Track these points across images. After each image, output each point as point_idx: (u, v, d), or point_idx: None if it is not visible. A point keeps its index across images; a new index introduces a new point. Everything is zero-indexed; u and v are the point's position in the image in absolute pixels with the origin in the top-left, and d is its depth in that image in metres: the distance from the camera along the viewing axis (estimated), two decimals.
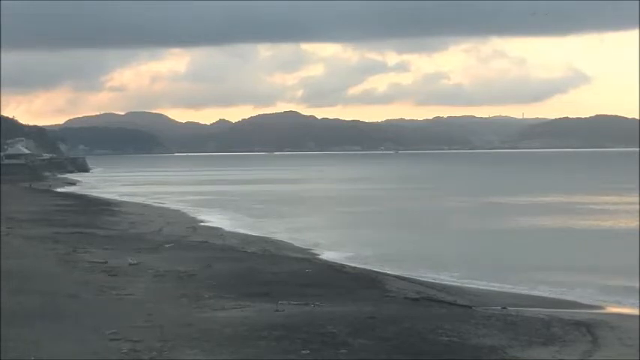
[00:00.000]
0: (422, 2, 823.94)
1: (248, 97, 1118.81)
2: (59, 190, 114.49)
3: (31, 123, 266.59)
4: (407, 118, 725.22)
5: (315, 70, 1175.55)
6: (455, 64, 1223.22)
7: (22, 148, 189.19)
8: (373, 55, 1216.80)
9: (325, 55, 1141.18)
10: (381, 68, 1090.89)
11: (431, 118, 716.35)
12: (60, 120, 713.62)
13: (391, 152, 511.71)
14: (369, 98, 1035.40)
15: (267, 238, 49.56)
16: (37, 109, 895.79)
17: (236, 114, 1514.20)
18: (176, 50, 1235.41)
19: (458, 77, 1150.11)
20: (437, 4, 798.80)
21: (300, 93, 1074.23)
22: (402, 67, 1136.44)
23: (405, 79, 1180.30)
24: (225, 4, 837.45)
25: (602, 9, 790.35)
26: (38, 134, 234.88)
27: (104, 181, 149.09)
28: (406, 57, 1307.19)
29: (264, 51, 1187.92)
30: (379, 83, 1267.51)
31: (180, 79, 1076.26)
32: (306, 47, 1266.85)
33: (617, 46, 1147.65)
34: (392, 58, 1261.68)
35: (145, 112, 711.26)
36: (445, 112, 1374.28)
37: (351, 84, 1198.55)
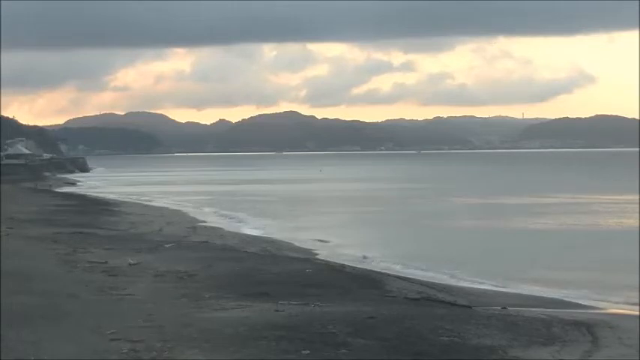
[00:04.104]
0: (428, 2, 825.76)
1: (251, 97, 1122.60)
2: (59, 190, 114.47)
3: (31, 123, 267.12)
4: (407, 118, 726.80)
5: (320, 70, 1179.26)
6: (461, 64, 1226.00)
7: (22, 148, 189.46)
8: (379, 55, 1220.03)
9: (331, 55, 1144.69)
10: (387, 68, 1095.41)
11: (431, 118, 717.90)
12: (60, 120, 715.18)
13: (414, 152, 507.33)
14: (372, 98, 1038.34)
15: (267, 238, 49.55)
16: (39, 109, 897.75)
17: (238, 114, 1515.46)
18: (180, 50, 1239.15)
19: (463, 77, 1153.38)
20: (444, 4, 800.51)
21: (303, 93, 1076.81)
22: (407, 67, 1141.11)
23: (411, 79, 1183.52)
24: (230, 3, 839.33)
25: (609, 9, 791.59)
26: (38, 134, 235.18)
27: (104, 181, 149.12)
28: (412, 57, 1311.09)
29: (269, 51, 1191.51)
30: (384, 83, 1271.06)
31: (184, 78, 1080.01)
32: (312, 47, 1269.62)
33: (622, 45, 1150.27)
34: (398, 58, 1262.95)
35: (145, 112, 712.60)
36: (447, 112, 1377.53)
37: (355, 84, 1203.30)
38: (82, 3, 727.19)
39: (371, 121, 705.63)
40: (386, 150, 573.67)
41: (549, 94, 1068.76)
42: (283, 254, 39.89)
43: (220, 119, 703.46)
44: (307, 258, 38.81)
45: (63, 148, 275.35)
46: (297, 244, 46.76)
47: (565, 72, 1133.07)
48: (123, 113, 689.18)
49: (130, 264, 32.01)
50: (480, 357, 18.06)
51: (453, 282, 33.32)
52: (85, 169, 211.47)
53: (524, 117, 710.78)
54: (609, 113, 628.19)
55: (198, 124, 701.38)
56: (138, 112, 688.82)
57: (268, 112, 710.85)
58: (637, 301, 28.22)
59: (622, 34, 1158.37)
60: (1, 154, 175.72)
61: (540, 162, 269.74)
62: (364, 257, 40.62)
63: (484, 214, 69.51)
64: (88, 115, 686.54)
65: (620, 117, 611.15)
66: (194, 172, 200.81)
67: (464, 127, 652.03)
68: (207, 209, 74.71)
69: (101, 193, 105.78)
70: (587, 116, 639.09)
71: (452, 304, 25.89)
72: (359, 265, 37.11)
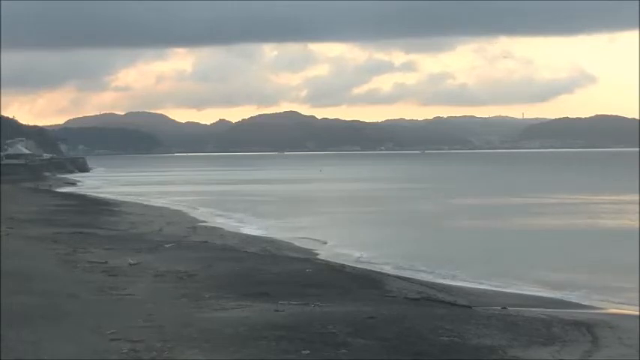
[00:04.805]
0: (429, 2, 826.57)
1: (252, 97, 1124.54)
2: (59, 190, 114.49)
3: (31, 123, 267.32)
4: (407, 118, 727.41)
5: (321, 70, 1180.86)
6: (462, 64, 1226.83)
7: (22, 148, 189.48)
8: (380, 55, 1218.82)
9: (332, 55, 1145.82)
10: (387, 68, 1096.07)
11: (431, 118, 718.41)
12: (60, 120, 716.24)
13: (417, 152, 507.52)
14: (373, 98, 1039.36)
15: (267, 238, 49.56)
16: (40, 109, 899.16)
17: (238, 114, 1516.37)
18: (181, 50, 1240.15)
19: (464, 77, 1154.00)
20: (444, 4, 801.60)
21: (304, 93, 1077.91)
22: (408, 67, 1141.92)
23: (411, 79, 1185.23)
24: (230, 3, 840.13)
25: (609, 9, 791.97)
26: (38, 134, 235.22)
27: (104, 181, 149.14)
28: (413, 57, 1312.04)
29: (270, 51, 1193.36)
30: (384, 83, 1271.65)
31: (185, 78, 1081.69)
32: (313, 47, 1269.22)
33: (623, 45, 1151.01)
34: (399, 57, 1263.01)
35: (145, 112, 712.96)
36: (447, 112, 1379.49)
37: (356, 84, 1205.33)
38: (82, 3, 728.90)
39: (371, 121, 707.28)
40: (386, 150, 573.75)
41: (550, 94, 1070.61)
42: (283, 254, 39.90)
43: (220, 119, 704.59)
44: (307, 258, 38.82)
45: (63, 148, 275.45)
46: (297, 244, 46.77)
47: (566, 72, 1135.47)
48: (123, 113, 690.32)
49: (130, 264, 32.02)
50: (480, 357, 18.05)
51: (453, 282, 33.33)
52: (84, 169, 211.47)
53: (524, 117, 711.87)
54: (609, 113, 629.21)
55: (198, 124, 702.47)
56: (138, 112, 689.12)
57: (268, 112, 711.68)
58: (637, 301, 28.23)
59: (623, 34, 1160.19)
60: (1, 154, 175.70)
61: (540, 162, 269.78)
62: (359, 258, 40.60)
63: (484, 214, 69.47)
64: (88, 115, 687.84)
65: (620, 117, 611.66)
66: (194, 172, 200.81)
67: (464, 127, 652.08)
68: (207, 209, 74.69)
69: (101, 193, 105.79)
70: (587, 116, 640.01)
71: (452, 304, 25.89)
72: (359, 265, 37.13)
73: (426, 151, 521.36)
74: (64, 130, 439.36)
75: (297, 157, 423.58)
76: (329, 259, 38.73)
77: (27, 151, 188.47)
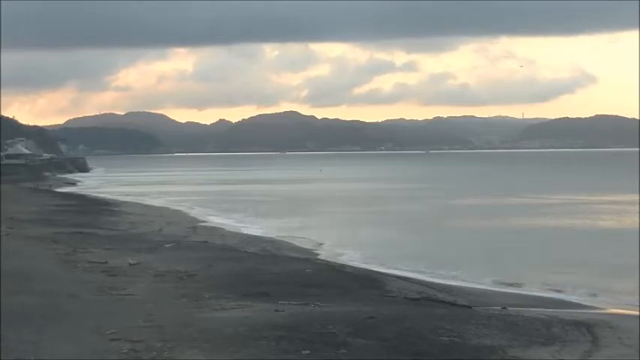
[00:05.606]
0: (430, 2, 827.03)
1: (252, 97, 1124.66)
2: (59, 190, 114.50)
3: (32, 123, 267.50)
4: (407, 118, 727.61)
5: (322, 70, 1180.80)
6: (463, 64, 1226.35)
7: (22, 148, 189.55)
8: (382, 55, 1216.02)
9: (333, 55, 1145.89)
10: (389, 68, 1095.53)
11: (431, 118, 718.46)
12: (60, 120, 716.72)
13: (422, 152, 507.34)
14: (373, 98, 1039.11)
15: (267, 238, 49.56)
16: (40, 109, 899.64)
17: (238, 114, 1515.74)
18: (182, 50, 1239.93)
19: (465, 77, 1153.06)
20: (445, 3, 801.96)
21: (304, 93, 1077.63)
22: (410, 67, 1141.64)
23: (412, 79, 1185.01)
24: (231, 3, 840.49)
25: (610, 9, 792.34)
26: (38, 134, 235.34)
27: (104, 181, 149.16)
28: (415, 57, 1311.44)
29: (271, 51, 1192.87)
30: (385, 83, 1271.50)
31: (186, 78, 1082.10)
32: (314, 47, 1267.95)
33: (623, 45, 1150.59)
34: (400, 57, 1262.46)
35: (145, 112, 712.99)
36: (447, 112, 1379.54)
37: (357, 84, 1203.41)
38: (82, 3, 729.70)
39: (371, 121, 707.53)
40: (386, 150, 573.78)
41: (551, 94, 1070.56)
42: (283, 254, 39.90)
43: (220, 119, 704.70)
44: (307, 258, 38.82)
45: (63, 148, 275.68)
46: (297, 244, 46.78)
47: (567, 72, 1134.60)
48: (123, 113, 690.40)
49: (130, 264, 32.03)
50: (480, 357, 18.05)
51: (453, 282, 33.33)
52: (84, 169, 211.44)
53: (524, 117, 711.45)
54: (609, 113, 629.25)
55: (198, 124, 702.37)
56: (138, 112, 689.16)
57: (268, 112, 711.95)
58: (637, 301, 28.22)
59: (623, 34, 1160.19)
60: (1, 154, 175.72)
61: (540, 162, 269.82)
62: (354, 258, 40.63)
63: (484, 214, 69.46)
64: (88, 115, 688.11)
65: (620, 117, 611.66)
66: (194, 172, 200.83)
67: (464, 127, 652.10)
68: (207, 209, 74.70)
69: (101, 193, 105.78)
70: (587, 116, 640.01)
71: (452, 304, 25.90)
72: (359, 265, 37.14)
73: (430, 151, 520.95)
74: (64, 130, 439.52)
75: (298, 157, 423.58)
76: (329, 259, 38.75)
77: (27, 151, 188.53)
